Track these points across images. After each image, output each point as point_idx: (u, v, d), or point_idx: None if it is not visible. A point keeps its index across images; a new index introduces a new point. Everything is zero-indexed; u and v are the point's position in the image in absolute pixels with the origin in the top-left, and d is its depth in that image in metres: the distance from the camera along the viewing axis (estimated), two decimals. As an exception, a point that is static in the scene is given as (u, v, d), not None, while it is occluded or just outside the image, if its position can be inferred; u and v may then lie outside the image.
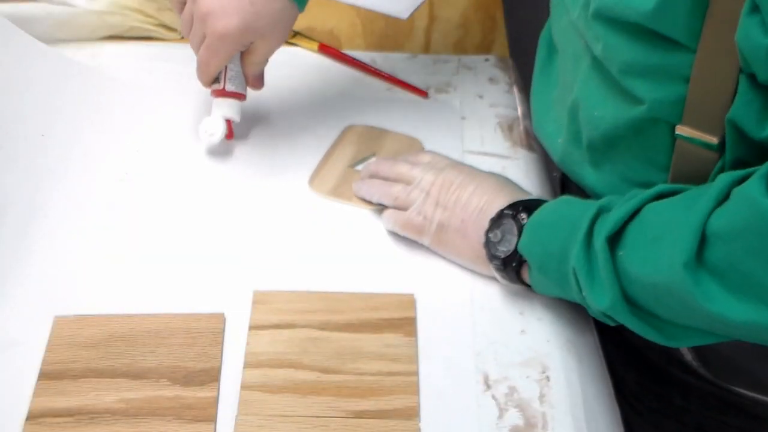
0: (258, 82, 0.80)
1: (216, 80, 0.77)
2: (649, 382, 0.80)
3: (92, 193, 0.77)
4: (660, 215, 0.57)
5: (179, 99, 0.85)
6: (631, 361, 0.80)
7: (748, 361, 0.70)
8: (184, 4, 0.75)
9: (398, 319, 0.67)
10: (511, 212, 0.66)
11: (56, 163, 0.79)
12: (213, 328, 0.66)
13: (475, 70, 0.92)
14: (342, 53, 0.92)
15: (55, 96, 0.84)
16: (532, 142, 0.84)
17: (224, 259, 0.72)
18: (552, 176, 0.84)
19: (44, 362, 0.64)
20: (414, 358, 0.65)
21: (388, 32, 0.96)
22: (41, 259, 0.71)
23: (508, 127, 0.85)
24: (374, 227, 0.75)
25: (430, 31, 0.97)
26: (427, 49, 0.95)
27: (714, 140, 0.57)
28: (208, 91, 0.79)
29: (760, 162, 0.52)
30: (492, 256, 0.67)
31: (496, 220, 0.67)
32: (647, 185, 0.59)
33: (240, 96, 0.78)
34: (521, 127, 0.86)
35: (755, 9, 0.49)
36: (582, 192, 0.72)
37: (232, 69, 0.77)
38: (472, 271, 0.71)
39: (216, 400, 0.62)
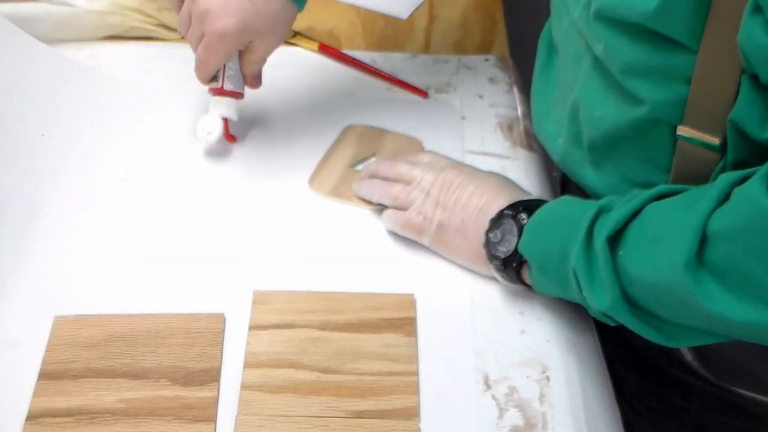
0: (256, 81, 0.80)
1: (214, 78, 0.77)
2: (650, 383, 0.80)
3: (92, 193, 0.77)
4: (660, 215, 0.56)
5: (179, 99, 0.85)
6: (631, 362, 0.80)
7: (749, 361, 0.70)
8: (182, 1, 0.75)
9: (398, 319, 0.67)
10: (511, 212, 0.66)
11: (56, 163, 0.79)
12: (213, 328, 0.66)
13: (475, 70, 0.92)
14: (342, 53, 0.92)
15: (55, 96, 0.84)
16: (532, 142, 0.84)
17: (224, 259, 0.72)
18: (552, 176, 0.84)
19: (44, 362, 0.64)
20: (414, 358, 0.65)
21: (388, 32, 0.96)
22: (41, 259, 0.71)
23: (508, 127, 0.85)
24: (374, 227, 0.75)
25: (430, 31, 0.97)
26: (427, 49, 0.95)
27: (715, 141, 0.57)
28: (209, 91, 0.79)
29: (761, 162, 0.52)
30: (492, 257, 0.67)
31: (496, 221, 0.67)
32: (648, 186, 0.59)
33: (238, 95, 0.78)
34: (521, 127, 0.86)
35: (757, 9, 0.49)
36: (582, 192, 0.72)
37: (231, 68, 0.77)
38: (472, 271, 0.71)
39: (216, 400, 0.62)
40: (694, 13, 0.53)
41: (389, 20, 0.96)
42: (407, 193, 0.73)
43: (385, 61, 0.92)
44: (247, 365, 0.64)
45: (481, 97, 0.89)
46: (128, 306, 0.68)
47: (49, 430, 0.60)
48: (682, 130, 0.58)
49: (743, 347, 0.60)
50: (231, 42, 0.73)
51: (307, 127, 0.84)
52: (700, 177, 0.59)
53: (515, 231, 0.65)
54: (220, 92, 0.77)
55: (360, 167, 0.80)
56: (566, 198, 0.65)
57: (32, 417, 0.61)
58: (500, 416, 0.63)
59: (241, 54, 0.77)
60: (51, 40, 0.88)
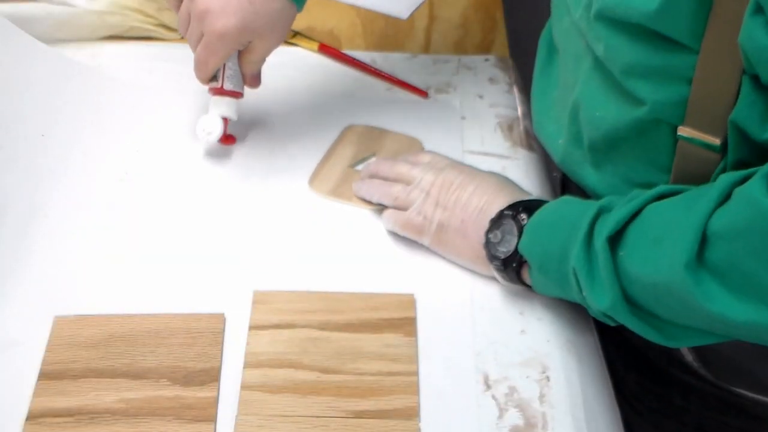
0: (255, 80, 0.80)
1: (213, 78, 0.77)
2: (650, 383, 0.80)
3: (92, 193, 0.77)
4: (661, 215, 0.56)
5: (179, 99, 0.85)
6: (631, 362, 0.80)
7: (749, 361, 0.70)
8: (181, 1, 0.75)
9: (398, 319, 0.67)
10: (511, 213, 0.66)
11: (56, 163, 0.79)
12: (213, 328, 0.66)
13: (475, 70, 0.92)
14: (342, 53, 0.92)
15: (55, 96, 0.84)
16: (532, 142, 0.84)
17: (224, 259, 0.72)
18: (552, 176, 0.84)
19: (44, 362, 0.64)
20: (414, 358, 0.65)
21: (388, 32, 0.96)
22: (41, 259, 0.71)
23: (508, 127, 0.85)
24: (374, 227, 0.75)
25: (430, 31, 0.97)
26: (427, 49, 0.95)
27: (716, 141, 0.57)
28: (208, 91, 0.78)
29: (762, 163, 0.52)
30: (492, 257, 0.67)
31: (496, 221, 0.67)
32: (648, 186, 0.59)
33: (238, 95, 0.78)
34: (521, 127, 0.86)
35: (759, 10, 0.49)
36: (582, 192, 0.71)
37: (230, 67, 0.77)
38: (472, 271, 0.71)
39: (216, 400, 0.62)
40: (695, 14, 0.52)
41: (389, 20, 0.96)
42: (407, 193, 0.73)
43: (385, 61, 0.92)
44: (247, 365, 0.64)
45: (481, 97, 0.89)
46: (128, 306, 0.68)
47: (49, 430, 0.60)
48: (683, 131, 0.58)
49: (743, 347, 0.60)
50: (230, 42, 0.73)
51: (307, 127, 0.84)
52: (701, 177, 0.59)
53: (515, 231, 0.65)
54: (219, 92, 0.77)
55: (360, 167, 0.80)
56: (566, 198, 0.65)
57: (32, 417, 0.61)
58: (500, 416, 0.63)
59: (240, 54, 0.77)
60: (51, 40, 0.88)
